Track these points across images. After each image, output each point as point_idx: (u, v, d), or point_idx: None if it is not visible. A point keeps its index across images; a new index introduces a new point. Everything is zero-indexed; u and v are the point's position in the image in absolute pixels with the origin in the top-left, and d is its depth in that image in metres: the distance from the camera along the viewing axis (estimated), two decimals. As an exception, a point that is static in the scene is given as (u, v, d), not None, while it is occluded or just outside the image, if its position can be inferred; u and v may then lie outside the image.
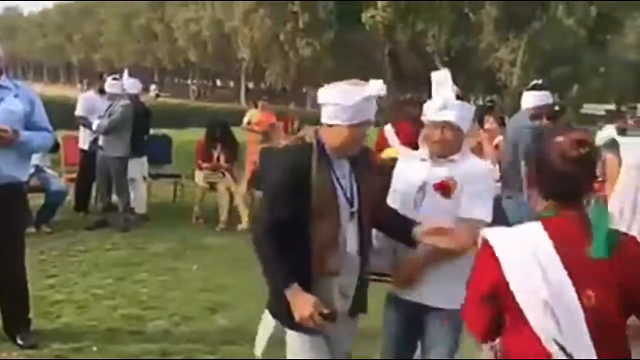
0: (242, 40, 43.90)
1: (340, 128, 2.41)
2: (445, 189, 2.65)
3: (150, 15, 55.66)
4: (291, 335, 2.46)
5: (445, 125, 2.68)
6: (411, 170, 2.77)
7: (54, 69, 74.37)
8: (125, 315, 4.37)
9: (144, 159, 7.75)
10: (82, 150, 7.61)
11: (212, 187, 7.52)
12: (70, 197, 7.40)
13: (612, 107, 29.12)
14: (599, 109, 34.70)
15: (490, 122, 4.48)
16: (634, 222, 2.79)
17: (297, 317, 2.35)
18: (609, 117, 9.71)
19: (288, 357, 2.50)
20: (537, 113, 5.03)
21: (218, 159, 7.61)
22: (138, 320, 4.29)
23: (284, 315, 2.41)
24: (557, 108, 5.34)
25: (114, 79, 7.39)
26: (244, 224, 7.24)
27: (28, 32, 75.04)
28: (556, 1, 22.82)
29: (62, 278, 5.16)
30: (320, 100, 2.47)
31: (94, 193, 7.56)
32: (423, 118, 2.79)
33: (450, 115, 2.68)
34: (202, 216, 7.43)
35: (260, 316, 4.38)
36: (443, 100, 2.70)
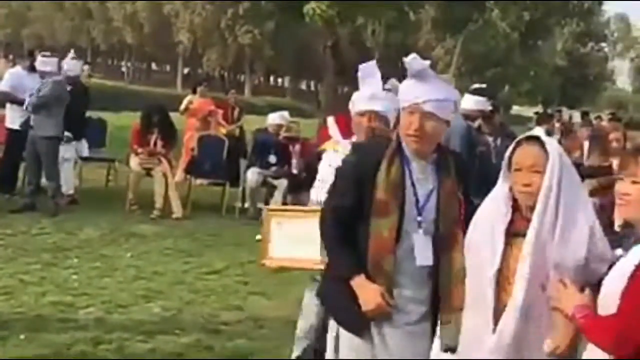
0: (181, 24, 42.97)
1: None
2: None
3: (85, -9, 53.54)
4: (343, 334, 2.38)
5: (372, 114, 2.79)
6: (339, 161, 2.81)
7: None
8: (55, 303, 4.23)
9: (83, 141, 7.53)
10: (8, 129, 7.27)
11: (148, 172, 7.36)
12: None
13: (539, 109, 30.42)
14: (527, 110, 36.15)
15: None
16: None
17: (363, 308, 2.25)
18: (537, 119, 10.11)
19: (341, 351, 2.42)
20: (472, 115, 5.20)
21: (155, 144, 7.45)
22: (69, 308, 4.16)
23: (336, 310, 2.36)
24: (490, 108, 5.54)
25: (45, 55, 7.09)
26: (177, 213, 7.14)
27: (-51, 2, 70.67)
28: (494, 2, 23.53)
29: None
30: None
31: (20, 174, 7.26)
32: (351, 109, 2.87)
33: (377, 105, 2.78)
34: (137, 202, 7.27)
35: (192, 304, 4.40)
36: (370, 91, 2.80)
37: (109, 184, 8.45)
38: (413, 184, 2.27)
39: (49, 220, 6.41)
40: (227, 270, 5.09)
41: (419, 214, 2.27)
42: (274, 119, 8.10)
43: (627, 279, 1.83)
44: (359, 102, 2.84)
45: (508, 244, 2.06)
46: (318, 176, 3.16)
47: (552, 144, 2.06)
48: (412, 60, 2.26)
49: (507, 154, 2.10)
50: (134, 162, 7.43)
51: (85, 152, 7.77)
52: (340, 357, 2.42)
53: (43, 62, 6.89)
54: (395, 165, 2.26)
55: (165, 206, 7.15)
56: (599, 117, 14.29)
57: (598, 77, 40.07)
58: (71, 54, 7.90)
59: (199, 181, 7.98)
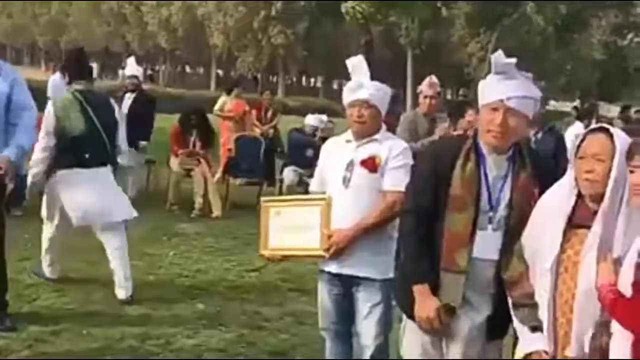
0: (214, 27, 43.45)
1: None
2: (371, 164, 2.86)
3: (120, -3, 54.56)
4: (410, 326, 2.50)
5: (361, 103, 2.88)
6: (338, 151, 2.97)
7: (18, 50, 72.48)
8: (103, 299, 4.37)
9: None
10: None
11: (188, 173, 7.52)
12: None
13: (576, 103, 29.83)
14: (564, 105, 35.47)
15: (469, 114, 4.71)
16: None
17: (416, 316, 2.38)
18: (578, 114, 9.98)
19: (403, 343, 2.55)
20: None
21: (194, 145, 7.60)
22: (116, 304, 4.30)
23: (406, 305, 2.44)
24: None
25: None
26: (217, 212, 7.27)
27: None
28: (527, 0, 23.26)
29: (35, 261, 5.12)
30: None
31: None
32: (344, 102, 2.96)
33: (365, 94, 2.87)
34: (177, 203, 7.43)
35: (235, 301, 4.50)
36: (358, 82, 2.90)
37: (149, 185, 8.65)
38: (487, 180, 2.32)
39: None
40: (266, 268, 5.18)
41: (491, 209, 2.32)
42: (311, 120, 8.17)
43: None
44: (347, 94, 2.94)
45: (569, 233, 2.07)
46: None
47: (620, 135, 2.06)
48: (498, 57, 2.31)
49: (576, 143, 2.11)
50: (173, 163, 7.60)
51: (143, 157, 8.01)
52: (404, 351, 2.52)
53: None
54: (471, 161, 2.32)
55: (205, 206, 7.28)
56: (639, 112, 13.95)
57: (638, 70, 39.00)
58: (132, 59, 8.11)
59: (237, 181, 8.11)
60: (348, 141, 2.98)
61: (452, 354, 2.39)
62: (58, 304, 4.25)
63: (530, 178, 2.31)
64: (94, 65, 7.36)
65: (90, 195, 4.30)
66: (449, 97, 41.50)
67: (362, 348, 2.97)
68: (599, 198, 2.02)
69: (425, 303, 2.34)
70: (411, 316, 2.44)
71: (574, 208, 2.08)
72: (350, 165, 2.88)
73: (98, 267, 5.11)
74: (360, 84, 2.89)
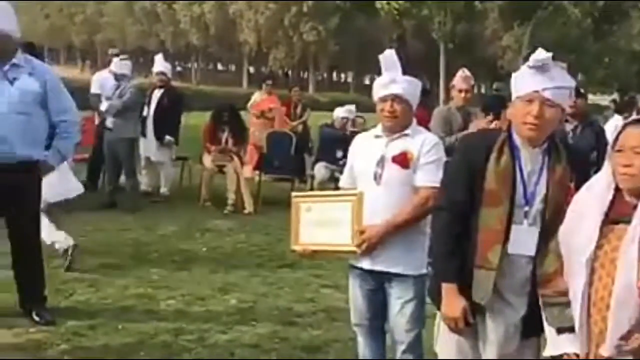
0: (246, 24, 43.72)
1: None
2: (403, 160, 2.81)
3: (153, -4, 55.30)
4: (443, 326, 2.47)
5: (393, 98, 2.83)
6: (368, 147, 2.92)
7: (55, 50, 74.15)
8: (138, 295, 4.43)
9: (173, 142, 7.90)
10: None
11: (220, 169, 7.57)
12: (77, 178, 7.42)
13: (615, 97, 29.11)
14: (602, 99, 34.67)
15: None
16: None
17: (443, 316, 2.37)
18: (617, 107, 9.74)
19: (439, 341, 2.54)
20: None
21: (226, 141, 7.65)
22: (150, 300, 4.35)
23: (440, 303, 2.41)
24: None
25: (122, 59, 7.42)
26: (249, 208, 7.30)
27: (30, 13, 74.63)
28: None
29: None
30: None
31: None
32: (374, 96, 2.92)
33: (397, 89, 2.82)
34: (210, 199, 7.49)
35: (267, 296, 4.51)
36: (390, 76, 2.85)
37: (183, 182, 8.74)
38: (522, 174, 2.27)
39: (128, 217, 6.71)
40: (299, 264, 5.18)
41: (527, 204, 2.26)
42: (340, 112, 8.16)
43: None
44: (378, 88, 2.90)
45: (606, 229, 2.00)
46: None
47: None
48: (538, 54, 2.26)
49: (613, 136, 2.05)
50: (206, 159, 7.66)
51: (174, 153, 8.12)
52: (439, 349, 2.49)
53: (120, 65, 7.21)
54: (505, 155, 2.26)
55: (237, 202, 7.33)
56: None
57: (679, 61, 37.87)
58: (159, 56, 8.22)
59: (268, 177, 8.14)
60: (378, 136, 2.94)
61: (488, 354, 2.34)
62: (94, 299, 4.31)
63: (566, 171, 2.26)
64: (128, 64, 7.42)
65: None
66: (482, 91, 40.96)
67: (395, 344, 2.95)
68: (638, 192, 1.96)
69: (452, 303, 2.31)
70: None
71: (611, 202, 2.02)
72: (381, 161, 2.85)
73: (132, 263, 5.20)
74: (392, 79, 2.85)
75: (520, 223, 2.26)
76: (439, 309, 2.45)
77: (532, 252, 2.26)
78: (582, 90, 5.80)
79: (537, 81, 2.23)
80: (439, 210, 2.44)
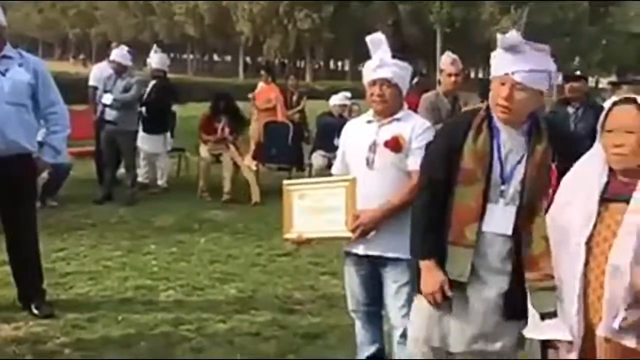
0: (240, 14, 43.52)
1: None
2: (395, 144, 2.81)
3: (147, -12, 54.98)
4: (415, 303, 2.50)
5: (383, 82, 2.83)
6: (360, 133, 2.91)
7: (49, 44, 73.80)
8: (137, 287, 4.42)
9: (167, 134, 7.86)
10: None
11: (217, 159, 7.56)
12: (74, 172, 7.42)
13: (613, 78, 29.05)
14: (600, 82, 34.57)
15: None
16: None
17: (422, 290, 2.37)
18: (613, 88, 9.71)
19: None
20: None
21: (222, 130, 7.62)
22: (150, 291, 4.35)
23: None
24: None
25: (128, 52, 7.36)
26: (255, 198, 7.29)
27: (23, 7, 74.29)
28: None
29: (71, 250, 5.22)
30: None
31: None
32: (364, 81, 2.91)
33: (386, 72, 2.81)
34: (208, 190, 7.48)
35: (266, 285, 4.52)
36: (379, 60, 2.84)
37: (180, 173, 8.72)
38: (500, 153, 2.26)
39: (126, 209, 6.70)
40: (298, 252, 5.17)
41: (503, 183, 2.26)
42: (336, 100, 8.14)
43: None
44: (367, 72, 2.89)
45: (600, 207, 1.99)
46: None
47: None
48: (504, 37, 2.24)
49: (602, 115, 2.04)
50: (203, 150, 7.64)
51: (169, 145, 8.09)
52: (413, 323, 2.48)
53: (122, 55, 7.13)
54: (483, 134, 2.26)
55: (233, 190, 7.32)
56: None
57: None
58: (155, 48, 8.16)
59: (266, 167, 8.13)
60: (369, 122, 2.93)
61: (461, 328, 2.34)
62: (93, 292, 4.31)
63: (547, 153, 2.24)
64: (129, 54, 7.30)
65: None
66: (480, 75, 40.81)
67: (391, 329, 2.95)
68: (631, 172, 1.95)
69: (431, 277, 2.32)
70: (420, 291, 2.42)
71: (607, 182, 2.01)
72: (373, 146, 2.84)
73: (132, 255, 5.20)
74: (381, 62, 2.83)
75: (496, 202, 2.26)
76: (419, 291, 2.43)
77: (509, 232, 2.25)
78: (578, 73, 5.77)
79: (508, 63, 2.22)
80: (420, 190, 2.44)
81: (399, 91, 2.87)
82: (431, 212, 2.34)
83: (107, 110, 6.97)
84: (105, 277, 4.60)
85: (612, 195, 1.99)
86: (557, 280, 2.08)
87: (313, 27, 40.20)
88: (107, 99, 6.93)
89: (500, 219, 2.26)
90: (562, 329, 2.04)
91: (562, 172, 2.19)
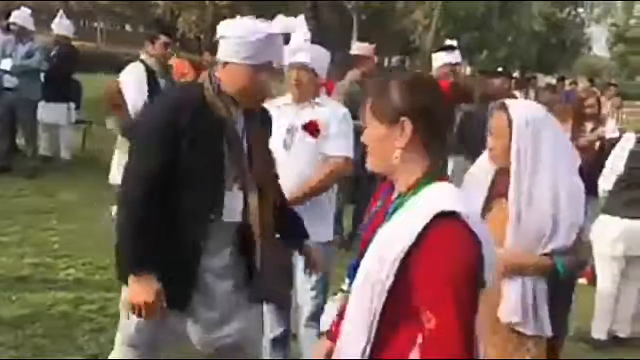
0: (155, -16, 41.88)
1: (238, 67, 2.10)
2: (313, 129, 2.85)
3: (55, -51, 51.80)
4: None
5: (300, 67, 2.86)
6: (278, 116, 2.86)
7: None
8: (35, 264, 4.24)
9: (72, 104, 7.42)
10: None
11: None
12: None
13: (517, 75, 30.48)
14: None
15: None
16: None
17: (129, 300, 2.07)
18: (515, 84, 10.22)
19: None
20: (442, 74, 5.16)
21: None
22: (49, 270, 4.18)
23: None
24: (459, 60, 5.65)
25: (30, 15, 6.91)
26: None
27: None
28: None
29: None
30: (220, 33, 2.17)
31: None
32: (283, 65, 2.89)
33: (303, 57, 2.85)
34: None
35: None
36: (296, 45, 2.87)
37: (85, 147, 8.36)
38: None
39: (27, 183, 6.37)
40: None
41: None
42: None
43: None
44: (286, 56, 2.82)
45: (490, 204, 2.14)
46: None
47: (516, 110, 2.08)
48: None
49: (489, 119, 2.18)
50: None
51: (74, 116, 7.65)
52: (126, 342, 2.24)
53: (23, 18, 6.70)
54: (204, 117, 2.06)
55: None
56: (574, 83, 14.39)
57: (575, 43, 40.10)
58: (61, 14, 7.68)
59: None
60: (287, 105, 2.94)
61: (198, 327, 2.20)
62: (-14, 269, 4.09)
63: (266, 133, 2.28)
64: (30, 17, 6.83)
65: None
66: (394, 64, 41.57)
67: (299, 313, 2.99)
68: (508, 171, 2.08)
69: (143, 290, 2.07)
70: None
71: (493, 182, 2.16)
72: (291, 130, 2.86)
73: (31, 231, 4.95)
74: (299, 47, 2.85)
75: (230, 189, 2.11)
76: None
77: (237, 218, 2.12)
78: (500, 69, 5.97)
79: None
80: (132, 185, 2.05)
81: (315, 76, 2.88)
82: (142, 212, 2.04)
83: (7, 76, 6.56)
84: (0, 254, 4.36)
85: (500, 192, 2.13)
86: None
87: (231, 3, 39.40)
88: (7, 64, 6.51)
89: (230, 205, 2.11)
90: None
91: None
